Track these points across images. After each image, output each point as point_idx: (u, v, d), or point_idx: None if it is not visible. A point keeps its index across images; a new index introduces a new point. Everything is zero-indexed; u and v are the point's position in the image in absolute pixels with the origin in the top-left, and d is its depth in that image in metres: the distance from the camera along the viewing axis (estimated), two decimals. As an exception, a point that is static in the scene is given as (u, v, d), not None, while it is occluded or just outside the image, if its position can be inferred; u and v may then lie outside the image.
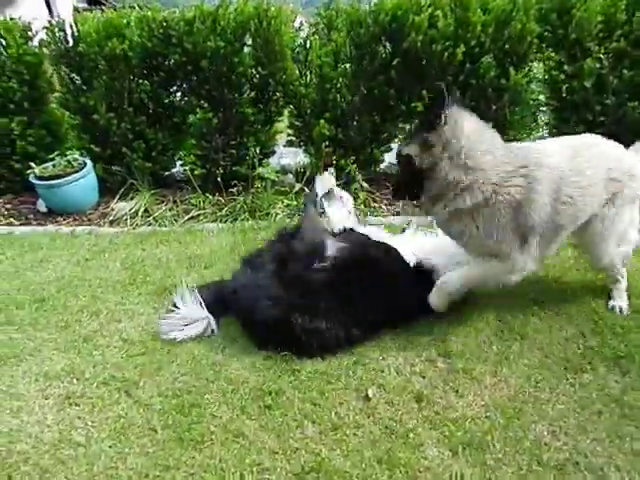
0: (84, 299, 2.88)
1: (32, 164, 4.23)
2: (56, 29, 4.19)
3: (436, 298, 2.34)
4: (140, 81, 4.21)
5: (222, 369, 2.24)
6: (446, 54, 3.75)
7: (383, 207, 4.10)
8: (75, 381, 2.23)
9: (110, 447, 1.89)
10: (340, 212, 2.97)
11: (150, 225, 3.97)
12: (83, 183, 4.27)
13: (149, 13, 4.08)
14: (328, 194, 3.03)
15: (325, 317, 2.26)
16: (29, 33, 4.48)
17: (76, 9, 4.82)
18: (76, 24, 4.17)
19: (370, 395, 2.04)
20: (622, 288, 2.47)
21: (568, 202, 2.11)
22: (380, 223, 3.58)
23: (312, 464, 1.77)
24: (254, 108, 4.20)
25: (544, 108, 4.69)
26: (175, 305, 2.55)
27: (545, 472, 1.71)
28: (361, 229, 2.91)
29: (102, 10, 5.10)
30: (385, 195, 4.25)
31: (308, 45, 4.26)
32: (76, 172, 4.22)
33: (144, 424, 1.98)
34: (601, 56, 3.75)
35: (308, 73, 4.25)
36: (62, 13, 8.21)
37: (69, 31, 4.19)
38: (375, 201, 4.16)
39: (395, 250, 2.57)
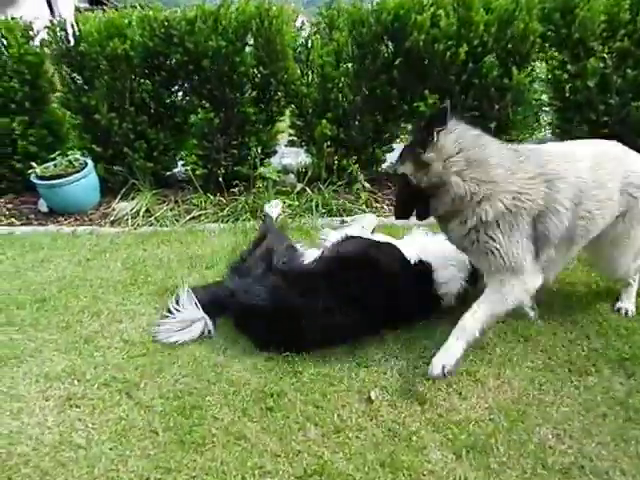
0: (85, 299, 2.87)
1: (33, 164, 4.23)
2: (57, 29, 4.18)
3: (452, 353, 1.99)
4: (142, 81, 4.21)
5: (223, 371, 2.23)
6: (448, 53, 3.74)
7: (385, 207, 4.08)
8: (76, 382, 2.22)
9: (111, 449, 1.88)
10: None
11: (151, 225, 3.96)
12: (84, 183, 4.26)
13: (150, 13, 4.07)
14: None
15: (321, 308, 2.28)
16: (30, 33, 4.47)
17: (77, 9, 4.81)
18: (77, 24, 4.16)
19: (373, 397, 2.03)
20: (632, 291, 2.45)
21: (586, 216, 2.03)
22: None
23: (314, 467, 1.76)
24: (256, 108, 4.19)
25: (547, 108, 4.67)
26: (169, 310, 2.55)
27: (550, 476, 1.69)
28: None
29: (104, 10, 5.09)
30: (387, 195, 4.23)
31: (310, 44, 4.25)
32: (77, 172, 4.21)
33: (145, 426, 1.97)
34: (605, 56, 3.73)
35: (310, 73, 4.24)
36: (63, 13, 8.20)
37: (70, 31, 4.18)
38: (377, 201, 4.14)
39: (391, 248, 2.56)
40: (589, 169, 2.02)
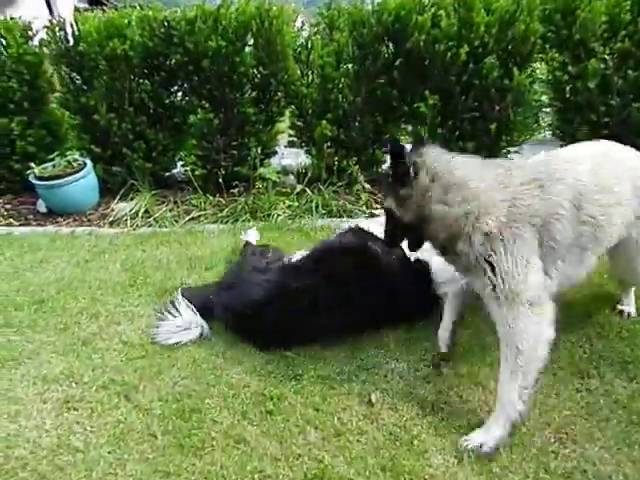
0: (84, 301, 2.85)
1: (32, 164, 4.21)
2: (56, 28, 4.17)
3: (491, 434, 1.79)
4: (141, 81, 4.19)
5: (223, 373, 2.21)
6: (449, 54, 3.72)
7: (385, 208, 4.06)
8: (74, 385, 2.20)
9: (109, 453, 1.86)
10: None
11: (150, 226, 3.94)
12: (83, 183, 4.25)
13: (150, 13, 4.06)
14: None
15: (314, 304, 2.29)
16: (29, 32, 4.46)
17: (77, 9, 4.79)
18: (77, 24, 4.15)
19: (373, 400, 2.01)
20: (632, 294, 2.43)
21: (590, 221, 1.88)
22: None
23: (315, 471, 1.74)
24: (255, 108, 4.17)
25: (547, 109, 4.66)
26: (165, 312, 2.54)
27: (552, 480, 1.68)
28: None
29: (103, 10, 5.08)
30: (387, 196, 4.22)
31: (310, 45, 4.24)
32: (76, 172, 4.20)
33: (144, 429, 1.95)
34: (605, 57, 3.72)
35: (310, 73, 4.23)
36: (63, 13, 8.18)
37: (69, 31, 4.16)
38: (377, 202, 4.12)
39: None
40: (589, 172, 1.91)
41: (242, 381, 2.16)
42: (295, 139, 4.48)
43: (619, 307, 2.42)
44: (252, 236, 3.31)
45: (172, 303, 2.57)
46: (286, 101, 4.33)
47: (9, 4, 8.94)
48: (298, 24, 4.64)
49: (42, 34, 4.37)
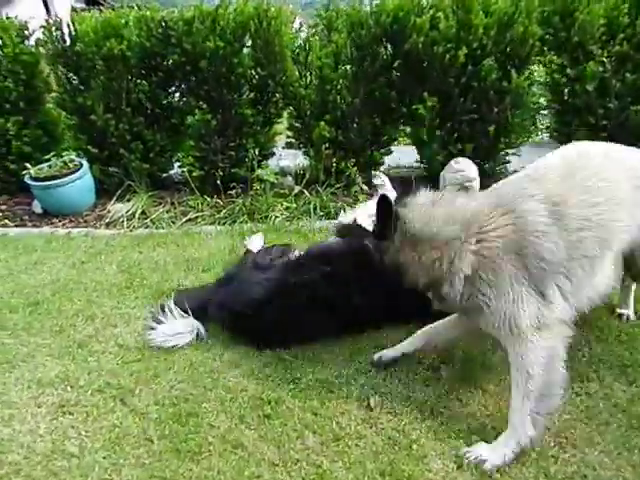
0: (79, 303, 2.83)
1: (28, 165, 4.19)
2: (53, 28, 4.14)
3: (498, 453, 1.73)
4: (138, 81, 4.17)
5: (220, 377, 2.19)
6: (448, 56, 3.73)
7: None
8: (69, 388, 2.17)
9: (104, 458, 1.83)
10: None
11: (147, 227, 3.92)
12: (79, 184, 4.22)
13: (148, 13, 4.05)
14: None
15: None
16: (26, 32, 4.43)
17: (74, 9, 4.77)
18: (73, 23, 4.13)
19: (372, 404, 1.99)
20: (632, 297, 2.41)
21: (585, 225, 1.77)
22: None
23: (313, 476, 1.72)
24: (253, 109, 4.16)
25: (545, 111, 4.67)
26: (159, 314, 2.52)
27: (552, 485, 1.66)
28: None
29: (100, 10, 5.05)
30: (385, 198, 4.21)
31: (308, 46, 4.23)
32: (72, 173, 4.17)
33: (140, 434, 1.92)
34: (604, 59, 3.74)
35: (308, 74, 4.22)
36: (59, 12, 8.15)
37: (66, 30, 4.14)
38: (375, 204, 4.11)
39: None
40: (562, 178, 1.83)
41: (239, 385, 2.14)
42: (293, 140, 4.47)
43: (618, 310, 2.41)
44: (257, 242, 3.26)
45: (167, 306, 2.54)
46: (284, 102, 4.32)
47: (6, 3, 8.90)
48: (296, 25, 4.63)
49: (38, 34, 4.34)
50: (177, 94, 4.40)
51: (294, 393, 2.07)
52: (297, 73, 4.22)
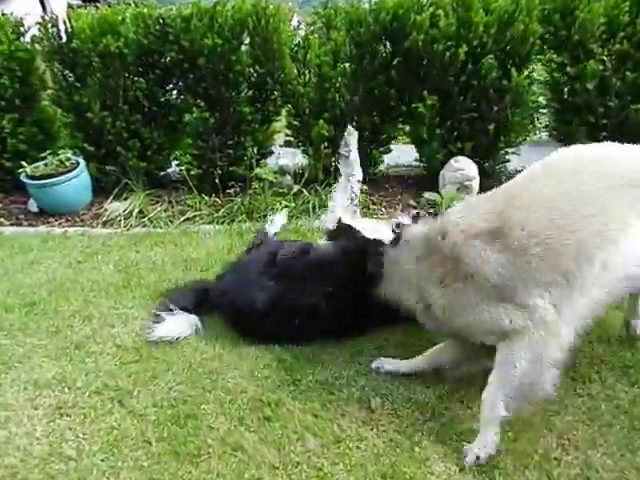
0: (76, 303, 2.79)
1: (23, 163, 4.14)
2: (49, 25, 4.10)
3: (483, 443, 1.74)
4: (135, 79, 4.14)
5: (219, 378, 2.17)
6: (448, 54, 3.71)
7: (382, 209, 4.04)
8: (66, 390, 2.15)
9: (102, 461, 1.80)
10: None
11: (145, 226, 3.88)
12: (76, 183, 4.18)
13: (145, 10, 4.01)
14: None
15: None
16: (21, 29, 4.39)
17: (70, 6, 4.74)
18: (70, 20, 4.09)
19: (373, 406, 1.97)
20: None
21: (577, 229, 1.69)
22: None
23: (314, 479, 1.70)
24: (251, 107, 4.13)
25: (544, 110, 4.66)
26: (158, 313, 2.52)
27: (556, 488, 1.65)
28: None
29: (97, 7, 5.01)
30: (384, 197, 4.20)
31: (307, 44, 4.20)
32: (69, 171, 4.13)
33: (138, 436, 1.90)
34: (604, 58, 3.72)
35: (307, 72, 4.19)
36: (55, 9, 8.09)
37: (62, 27, 4.10)
38: (374, 203, 4.10)
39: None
40: (523, 192, 1.81)
41: (239, 386, 2.12)
42: (292, 139, 4.44)
43: (626, 319, 2.32)
44: (279, 221, 3.35)
45: (164, 303, 2.55)
46: (282, 100, 4.29)
47: (1, 0, 8.82)
48: (294, 23, 4.60)
49: (34, 30, 4.30)
50: (175, 92, 4.36)
51: (294, 395, 2.05)
52: (296, 71, 4.19)
